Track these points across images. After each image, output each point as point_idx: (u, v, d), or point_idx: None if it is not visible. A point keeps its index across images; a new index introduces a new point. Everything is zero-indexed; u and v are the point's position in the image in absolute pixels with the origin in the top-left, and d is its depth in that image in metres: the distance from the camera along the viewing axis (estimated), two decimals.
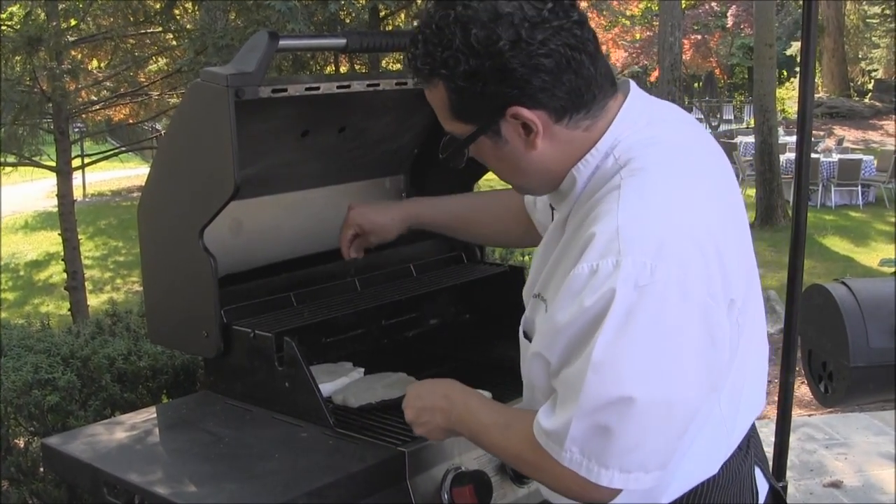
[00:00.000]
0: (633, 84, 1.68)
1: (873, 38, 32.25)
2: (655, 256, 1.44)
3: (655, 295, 1.43)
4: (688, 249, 1.47)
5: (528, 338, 1.70)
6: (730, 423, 1.67)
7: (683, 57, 21.87)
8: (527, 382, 1.73)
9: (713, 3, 32.88)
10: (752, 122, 19.08)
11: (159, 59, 11.52)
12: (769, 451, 3.20)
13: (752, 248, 1.72)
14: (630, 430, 1.46)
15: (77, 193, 12.34)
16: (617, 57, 32.28)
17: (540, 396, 1.65)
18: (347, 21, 8.34)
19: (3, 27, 9.51)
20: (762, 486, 1.78)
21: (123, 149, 13.98)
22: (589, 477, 1.49)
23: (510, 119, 1.56)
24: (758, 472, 1.77)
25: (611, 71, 1.64)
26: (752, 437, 1.78)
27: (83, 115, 11.70)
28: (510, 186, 1.78)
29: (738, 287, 1.56)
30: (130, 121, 13.39)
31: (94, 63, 11.37)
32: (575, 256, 1.51)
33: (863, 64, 33.21)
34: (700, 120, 26.48)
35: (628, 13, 31.41)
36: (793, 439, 4.20)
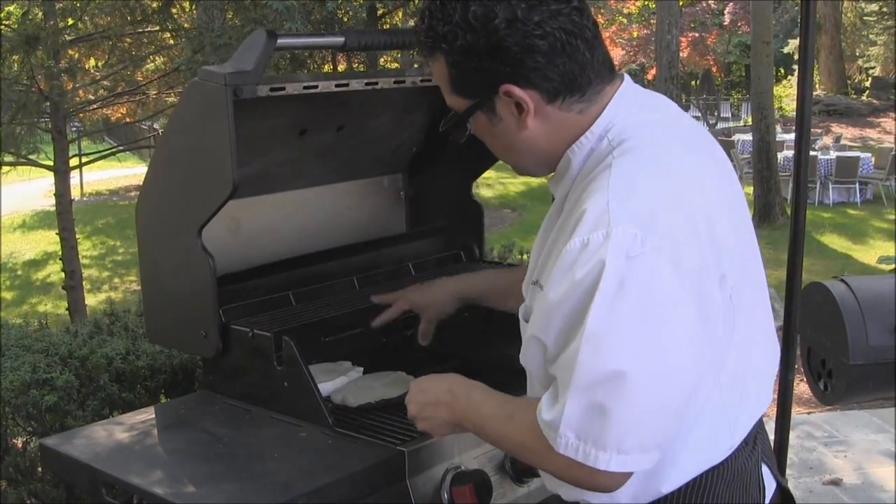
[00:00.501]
0: (626, 76, 1.71)
1: (870, 36, 32.28)
2: (646, 227, 1.45)
3: (647, 265, 1.44)
4: (678, 221, 1.49)
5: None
6: (732, 411, 1.66)
7: (681, 55, 21.88)
8: (528, 378, 1.73)
9: (710, 1, 32.89)
10: (750, 119, 19.09)
11: (157, 58, 11.51)
12: None
13: (753, 237, 1.72)
14: (626, 407, 1.45)
15: (75, 193, 12.33)
16: (614, 55, 32.12)
17: (536, 384, 1.65)
18: (345, 20, 8.32)
19: (1, 26, 9.50)
20: (769, 483, 1.78)
21: (121, 148, 13.98)
22: (586, 461, 1.48)
23: (503, 97, 1.60)
24: (765, 469, 1.77)
25: (609, 58, 1.66)
26: (759, 433, 1.78)
27: (81, 115, 11.70)
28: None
29: (731, 265, 1.56)
30: (128, 120, 13.40)
31: (92, 62, 11.36)
32: (567, 236, 1.52)
33: (860, 61, 33.24)
34: (697, 118, 26.50)
35: (625, 11, 31.42)
36: (792, 437, 4.20)
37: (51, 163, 9.87)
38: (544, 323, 1.54)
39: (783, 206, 14.92)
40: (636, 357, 1.44)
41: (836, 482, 4.94)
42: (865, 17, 32.11)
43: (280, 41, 2.14)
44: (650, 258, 1.44)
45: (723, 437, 1.67)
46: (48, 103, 9.33)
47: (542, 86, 1.58)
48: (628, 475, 1.51)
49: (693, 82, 38.41)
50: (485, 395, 1.76)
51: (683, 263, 1.46)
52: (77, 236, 10.21)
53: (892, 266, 7.12)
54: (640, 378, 1.44)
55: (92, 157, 12.87)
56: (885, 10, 29.89)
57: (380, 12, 8.50)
